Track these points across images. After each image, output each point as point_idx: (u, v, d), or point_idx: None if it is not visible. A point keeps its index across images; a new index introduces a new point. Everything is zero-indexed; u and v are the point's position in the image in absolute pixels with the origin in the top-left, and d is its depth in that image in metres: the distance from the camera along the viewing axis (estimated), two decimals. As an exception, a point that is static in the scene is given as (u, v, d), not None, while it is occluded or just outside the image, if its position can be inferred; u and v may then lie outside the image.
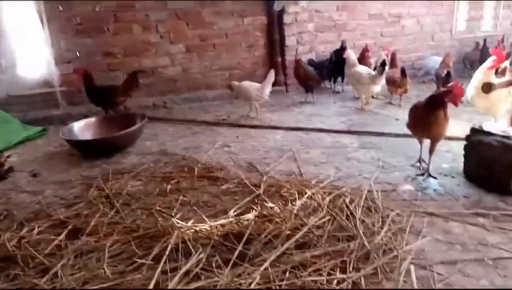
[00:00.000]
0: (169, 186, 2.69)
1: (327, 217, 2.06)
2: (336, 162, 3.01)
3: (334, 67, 5.26)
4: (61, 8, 4.55)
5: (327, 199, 2.26)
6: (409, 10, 6.18)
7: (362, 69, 4.51)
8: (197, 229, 2.05)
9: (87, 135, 3.60)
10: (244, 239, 1.85)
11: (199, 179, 2.82)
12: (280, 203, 2.27)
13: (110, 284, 1.66)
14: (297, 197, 2.29)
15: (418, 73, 6.26)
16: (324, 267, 1.66)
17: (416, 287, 1.57)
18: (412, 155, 3.00)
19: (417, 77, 6.09)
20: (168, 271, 1.70)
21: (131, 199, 2.52)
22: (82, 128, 3.64)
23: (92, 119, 3.83)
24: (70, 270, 1.79)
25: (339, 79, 5.44)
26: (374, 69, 4.55)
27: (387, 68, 4.34)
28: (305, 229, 1.91)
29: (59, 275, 1.75)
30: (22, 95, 4.54)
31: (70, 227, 2.21)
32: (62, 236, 2.12)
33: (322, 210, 2.12)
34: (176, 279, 1.63)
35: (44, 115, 4.50)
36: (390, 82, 4.53)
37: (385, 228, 1.92)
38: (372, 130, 3.70)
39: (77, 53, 4.71)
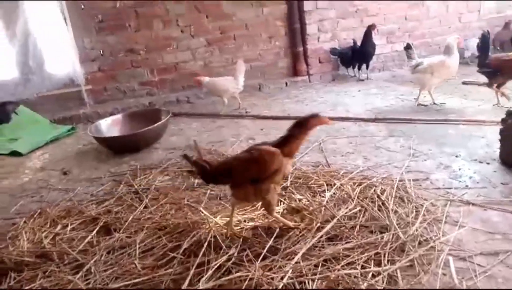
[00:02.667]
0: (196, 181, 2.70)
1: (358, 208, 2.01)
2: (364, 151, 2.93)
3: (357, 54, 5.14)
4: (83, 7, 4.62)
5: (357, 189, 2.21)
6: (433, -9, 5.95)
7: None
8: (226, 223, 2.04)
9: (114, 132, 3.66)
10: (275, 234, 1.82)
11: (225, 173, 2.82)
12: (308, 195, 2.24)
13: (142, 279, 1.67)
14: (326, 189, 2.24)
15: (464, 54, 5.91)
16: (358, 260, 1.62)
17: (456, 279, 1.50)
18: (443, 141, 2.89)
19: (463, 59, 5.77)
20: (197, 266, 1.70)
21: (159, 194, 2.54)
22: (109, 125, 3.70)
23: (118, 116, 3.89)
24: (102, 266, 1.81)
25: (364, 66, 5.32)
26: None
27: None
28: (335, 220, 1.87)
29: (93, 271, 1.78)
30: (50, 95, 4.64)
31: (101, 223, 2.24)
32: (94, 233, 2.16)
33: (353, 201, 2.07)
34: (208, 274, 1.62)
35: (71, 114, 4.60)
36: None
37: (420, 219, 1.86)
38: (400, 117, 3.59)
39: (101, 52, 4.77)
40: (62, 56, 4.65)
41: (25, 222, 2.39)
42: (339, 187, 2.26)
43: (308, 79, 5.56)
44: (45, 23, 4.54)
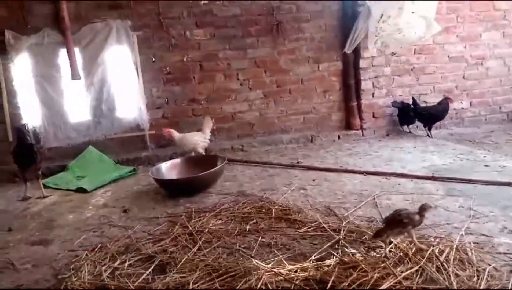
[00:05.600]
0: (248, 226, 2.75)
1: (415, 268, 1.94)
2: (421, 209, 2.85)
3: (414, 111, 5.18)
4: (153, 59, 5.07)
5: (414, 248, 2.15)
6: (493, 52, 5.86)
7: None
8: (278, 271, 2.05)
9: (173, 175, 3.86)
10: (328, 286, 1.80)
11: (276, 221, 2.85)
12: (362, 250, 2.20)
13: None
14: (383, 245, 2.20)
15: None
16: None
17: None
18: (507, 204, 2.75)
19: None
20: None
21: (212, 238, 2.62)
22: (169, 168, 3.92)
23: (177, 160, 4.11)
24: (158, 303, 1.88)
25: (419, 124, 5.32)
26: None
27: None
28: (392, 278, 1.82)
29: (149, 308, 1.84)
30: (117, 137, 5.02)
31: (157, 262, 2.33)
32: (149, 270, 2.25)
33: (410, 261, 2.01)
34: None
35: (134, 156, 4.90)
36: None
37: (483, 285, 1.76)
38: (458, 176, 3.47)
39: (166, 100, 5.16)
40: (131, 103, 5.06)
41: (86, 255, 2.54)
42: (396, 245, 2.20)
43: (362, 133, 5.57)
44: (119, 73, 5.01)
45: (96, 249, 2.63)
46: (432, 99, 5.54)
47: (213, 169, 3.63)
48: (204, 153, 4.52)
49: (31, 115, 4.86)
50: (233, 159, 4.63)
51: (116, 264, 2.36)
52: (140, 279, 2.15)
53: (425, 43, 5.49)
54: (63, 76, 4.86)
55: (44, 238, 3.02)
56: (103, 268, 2.31)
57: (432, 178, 3.52)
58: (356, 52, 5.41)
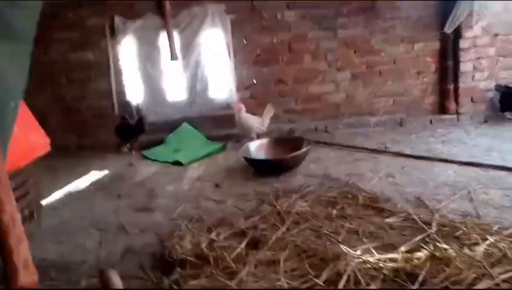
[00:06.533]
0: (334, 211, 2.80)
1: (516, 271, 1.85)
2: (524, 207, 2.66)
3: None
4: (245, 42, 5.23)
5: (515, 249, 2.04)
6: None
7: None
8: (366, 259, 2.09)
9: (261, 155, 4.03)
10: (419, 279, 1.81)
11: (363, 208, 2.85)
12: (455, 246, 2.14)
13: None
14: (478, 242, 2.12)
15: None
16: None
17: None
18: None
19: None
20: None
21: (300, 219, 2.72)
22: (257, 148, 4.10)
23: (265, 140, 4.28)
24: (252, 277, 2.05)
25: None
26: None
27: None
28: (489, 279, 1.77)
29: (244, 280, 2.02)
30: (209, 115, 5.33)
31: (249, 237, 2.51)
32: (243, 245, 2.43)
33: (509, 262, 1.92)
34: (348, 306, 1.71)
35: (224, 133, 5.18)
36: None
37: None
38: None
39: (254, 81, 5.32)
40: (223, 83, 5.31)
41: (186, 225, 2.82)
42: (493, 244, 2.11)
43: (457, 118, 5.21)
44: (213, 54, 5.28)
45: (193, 220, 2.91)
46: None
47: (300, 151, 3.72)
48: (256, 139, 4.57)
49: (135, 92, 5.37)
50: (318, 141, 4.65)
51: (212, 236, 2.58)
52: (235, 252, 2.33)
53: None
54: (163, 57, 5.26)
55: (148, 206, 3.39)
56: (201, 238, 2.55)
57: (539, 173, 3.22)
58: (457, 32, 5.01)
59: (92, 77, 5.38)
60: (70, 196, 3.79)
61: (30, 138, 3.03)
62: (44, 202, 3.51)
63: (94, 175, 4.35)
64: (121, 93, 5.38)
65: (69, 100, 5.45)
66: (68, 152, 5.23)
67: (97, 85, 5.39)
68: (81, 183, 4.13)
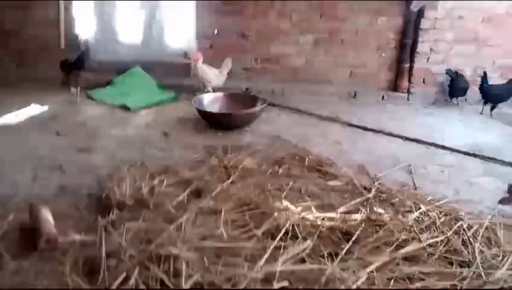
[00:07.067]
0: (280, 170, 2.82)
1: (441, 238, 1.98)
2: (456, 184, 2.83)
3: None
4: (210, -13, 4.96)
5: (443, 219, 2.17)
6: None
7: None
8: (305, 216, 2.13)
9: (215, 108, 3.93)
10: (353, 238, 1.88)
11: (309, 170, 2.90)
12: (390, 211, 2.25)
13: (225, 245, 1.84)
14: (412, 210, 2.23)
15: None
16: (432, 286, 1.62)
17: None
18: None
19: None
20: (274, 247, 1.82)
21: (246, 174, 2.71)
22: (211, 101, 3.99)
23: (219, 94, 4.17)
24: (192, 224, 2.02)
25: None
26: None
27: None
28: (417, 243, 1.87)
29: (183, 227, 1.98)
30: (163, 62, 5.08)
31: (193, 186, 2.47)
32: (185, 193, 2.39)
33: (436, 229, 2.05)
34: (284, 257, 1.74)
35: (177, 83, 4.97)
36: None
37: (507, 265, 1.79)
38: (504, 158, 3.36)
39: (215, 31, 5.10)
40: (181, 30, 5.04)
41: (127, 170, 2.70)
42: (424, 212, 2.23)
43: (407, 97, 5.38)
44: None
45: (137, 165, 2.80)
46: (489, 74, 5.20)
47: (254, 109, 3.68)
48: (211, 92, 4.45)
49: (84, 26, 4.96)
50: (273, 103, 4.62)
51: (154, 182, 2.51)
52: (177, 200, 2.29)
53: (498, 12, 5.08)
54: (118, -7, 4.87)
55: (89, 147, 3.22)
56: (143, 184, 2.47)
57: (473, 155, 3.43)
58: (420, 11, 5.08)
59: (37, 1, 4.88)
60: (5, 128, 3.51)
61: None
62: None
63: (33, 109, 4.05)
64: (69, 24, 4.94)
65: (8, 24, 4.93)
66: (6, 82, 4.80)
67: (42, 11, 4.90)
68: (18, 115, 3.83)
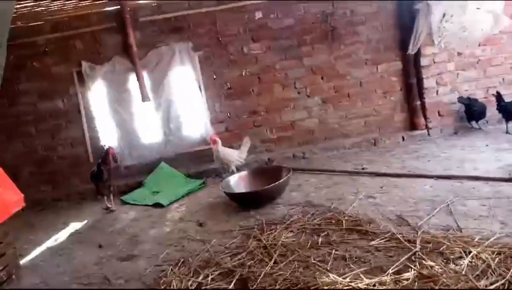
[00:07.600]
0: (320, 239, 2.80)
1: (501, 281, 1.89)
2: (501, 215, 2.73)
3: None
4: (215, 76, 5.32)
5: (497, 259, 2.09)
6: None
7: None
8: (356, 286, 2.09)
9: (242, 187, 4.02)
10: (410, 301, 1.82)
11: (348, 232, 2.87)
12: (441, 262, 2.18)
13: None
14: (462, 255, 2.16)
15: None
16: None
17: None
18: None
19: None
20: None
21: (286, 251, 2.69)
22: (237, 181, 4.09)
23: (244, 172, 4.29)
24: (245, 318, 2.00)
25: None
26: None
27: None
28: (476, 294, 1.80)
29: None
30: (186, 153, 5.32)
31: (237, 276, 2.47)
32: (232, 285, 2.38)
33: (493, 273, 1.96)
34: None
35: (202, 169, 5.16)
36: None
37: None
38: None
39: (228, 114, 5.38)
40: (196, 119, 5.34)
41: (172, 270, 2.74)
42: (476, 255, 2.15)
43: (427, 133, 5.38)
44: (184, 92, 5.32)
45: (179, 264, 2.83)
46: (503, 92, 5.21)
47: (280, 181, 3.73)
48: (235, 171, 4.60)
49: (108, 137, 5.30)
50: (297, 168, 4.69)
51: (199, 279, 2.53)
52: (225, 294, 2.29)
53: (490, 34, 5.20)
54: (134, 99, 5.25)
55: (131, 253, 3.29)
56: (189, 283, 2.49)
57: (510, 180, 3.34)
58: (417, 50, 5.25)
59: (63, 125, 5.30)
60: (50, 251, 3.65)
61: (2, 196, 2.94)
62: (22, 261, 3.37)
63: (72, 227, 4.21)
64: (94, 139, 5.30)
65: (40, 151, 5.33)
66: (43, 204, 5.07)
67: (68, 133, 5.31)
68: (60, 236, 3.99)
